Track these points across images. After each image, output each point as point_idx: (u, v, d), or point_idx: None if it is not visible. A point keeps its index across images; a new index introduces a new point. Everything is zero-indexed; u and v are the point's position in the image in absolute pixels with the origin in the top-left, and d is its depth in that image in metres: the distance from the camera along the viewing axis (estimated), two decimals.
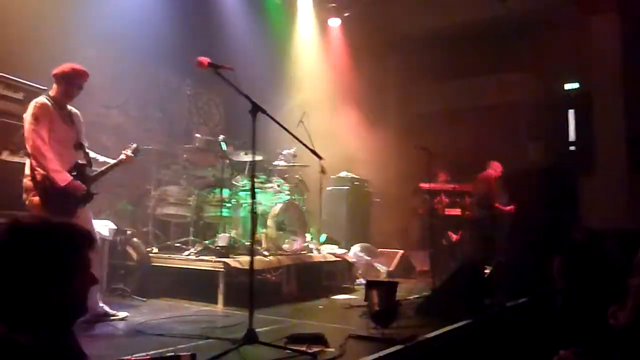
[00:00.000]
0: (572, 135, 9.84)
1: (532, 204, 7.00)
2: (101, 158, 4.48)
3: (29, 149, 3.94)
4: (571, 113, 9.86)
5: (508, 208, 7.94)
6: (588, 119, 9.23)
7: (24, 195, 4.00)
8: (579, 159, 9.31)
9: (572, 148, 9.82)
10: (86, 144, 4.35)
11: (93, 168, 4.36)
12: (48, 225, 1.51)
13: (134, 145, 4.54)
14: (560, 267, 3.43)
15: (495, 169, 8.20)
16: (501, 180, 8.08)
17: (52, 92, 4.17)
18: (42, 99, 4.07)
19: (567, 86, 9.92)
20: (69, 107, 4.26)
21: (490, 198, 7.93)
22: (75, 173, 4.12)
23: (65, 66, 4.13)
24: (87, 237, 1.56)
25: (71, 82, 4.15)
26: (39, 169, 3.93)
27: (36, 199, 3.96)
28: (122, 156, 4.48)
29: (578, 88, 9.83)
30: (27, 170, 4.01)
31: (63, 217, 3.82)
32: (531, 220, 6.84)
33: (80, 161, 4.24)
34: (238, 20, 8.32)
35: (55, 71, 4.13)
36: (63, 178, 3.95)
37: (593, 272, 3.26)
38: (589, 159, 8.95)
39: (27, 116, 3.97)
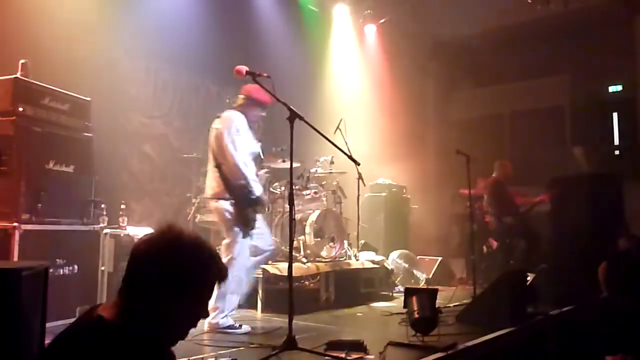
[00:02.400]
0: (616, 139, 9.57)
1: (577, 210, 6.81)
2: None
3: (228, 158, 4.19)
4: (615, 116, 9.59)
5: (538, 199, 7.36)
6: (633, 122, 8.97)
7: (213, 203, 4.33)
8: (624, 163, 9.04)
9: (616, 152, 9.54)
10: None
11: None
12: (203, 245, 1.60)
13: None
14: (606, 274, 3.35)
15: (502, 169, 7.61)
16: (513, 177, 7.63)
17: (241, 108, 4.46)
18: (237, 112, 4.38)
19: (611, 89, 9.65)
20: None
21: (506, 203, 7.43)
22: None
23: (260, 92, 4.33)
24: (224, 271, 1.66)
25: (263, 107, 4.53)
26: (235, 177, 4.20)
27: (226, 205, 4.23)
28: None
29: (622, 90, 9.55)
30: (213, 179, 4.32)
31: (252, 226, 4.26)
32: (576, 227, 6.66)
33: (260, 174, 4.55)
34: (275, 28, 8.40)
35: (250, 93, 4.45)
36: (259, 188, 4.27)
37: (639, 279, 3.17)
38: (635, 164, 8.69)
39: (224, 128, 4.24)
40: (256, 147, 4.47)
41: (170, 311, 1.51)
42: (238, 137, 4.23)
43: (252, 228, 4.32)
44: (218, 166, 4.31)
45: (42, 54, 4.93)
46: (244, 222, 4.26)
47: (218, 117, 4.47)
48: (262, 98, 4.46)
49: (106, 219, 4.89)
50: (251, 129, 4.49)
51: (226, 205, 4.28)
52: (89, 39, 5.81)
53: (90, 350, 1.40)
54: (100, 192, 4.79)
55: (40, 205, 4.14)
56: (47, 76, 4.55)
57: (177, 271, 1.50)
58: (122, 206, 5.17)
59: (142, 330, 1.48)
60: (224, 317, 4.17)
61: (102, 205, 4.80)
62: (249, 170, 4.27)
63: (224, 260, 4.07)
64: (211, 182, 4.40)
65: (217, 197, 4.33)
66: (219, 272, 1.62)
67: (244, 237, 4.27)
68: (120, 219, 5.08)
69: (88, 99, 4.79)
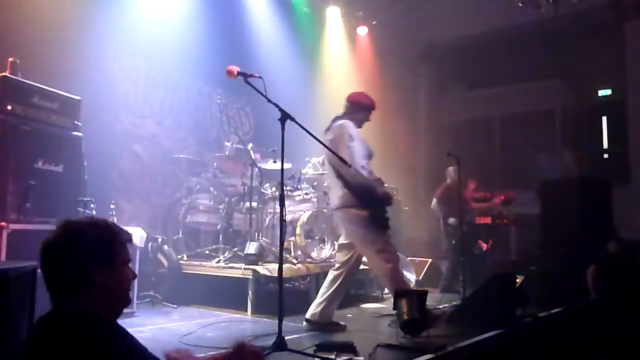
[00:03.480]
0: (605, 143, 9.64)
1: (566, 213, 6.85)
2: None
3: (347, 166, 4.10)
4: (604, 120, 9.67)
5: (497, 201, 7.39)
6: (622, 126, 9.04)
7: (343, 213, 4.32)
8: (613, 167, 9.11)
9: (605, 156, 9.61)
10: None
11: None
12: (93, 222, 1.75)
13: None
14: (594, 277, 3.37)
15: (453, 175, 7.32)
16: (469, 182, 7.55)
17: (348, 115, 4.51)
18: (346, 120, 4.43)
19: (601, 93, 9.72)
20: None
21: (452, 206, 7.09)
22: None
23: (366, 97, 4.61)
24: (126, 233, 1.82)
25: (369, 112, 4.61)
26: (358, 182, 4.22)
27: (361, 212, 4.22)
28: None
29: (611, 95, 9.62)
30: (338, 189, 4.33)
31: (384, 227, 4.28)
32: (565, 230, 6.70)
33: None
34: (268, 29, 8.41)
35: (358, 99, 4.60)
36: (383, 189, 4.34)
37: (627, 283, 3.19)
38: (624, 168, 8.76)
39: (337, 137, 4.30)
40: (369, 151, 4.50)
41: (102, 282, 1.67)
42: (352, 144, 4.27)
43: (389, 227, 4.35)
44: (340, 176, 4.33)
45: (32, 52, 4.90)
46: (379, 222, 4.27)
47: (329, 128, 4.51)
48: (367, 103, 4.60)
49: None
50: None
51: (357, 212, 4.27)
52: (79, 38, 5.79)
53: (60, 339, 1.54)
54: (89, 192, 4.75)
55: (28, 204, 4.10)
56: (37, 75, 4.52)
57: (83, 247, 1.67)
58: (112, 206, 5.14)
59: (92, 309, 1.64)
60: None
61: (92, 205, 4.75)
62: (368, 172, 4.30)
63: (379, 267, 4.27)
64: (336, 192, 4.39)
65: (346, 205, 4.31)
66: (120, 233, 1.79)
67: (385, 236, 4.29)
68: (110, 219, 5.04)
69: (78, 97, 4.75)
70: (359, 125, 4.53)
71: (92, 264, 1.67)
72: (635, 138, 8.70)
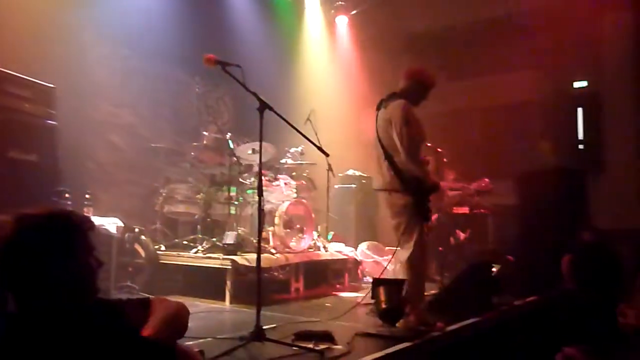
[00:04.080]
0: (580, 134, 9.76)
1: (542, 203, 6.94)
2: None
3: (399, 150, 4.06)
4: (580, 112, 9.79)
5: (471, 188, 7.52)
6: (597, 117, 9.17)
7: (386, 195, 4.19)
8: (588, 158, 9.24)
9: (580, 147, 9.74)
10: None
11: None
12: (51, 212, 1.66)
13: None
14: (569, 266, 3.42)
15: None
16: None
17: (405, 94, 4.27)
18: (403, 101, 4.17)
19: (576, 85, 9.84)
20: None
21: None
22: None
23: (427, 75, 4.36)
24: (87, 221, 1.73)
25: (428, 90, 4.36)
26: (408, 169, 4.05)
27: (404, 199, 4.08)
28: None
29: (587, 87, 9.75)
30: (385, 171, 4.18)
31: (428, 218, 4.12)
32: (541, 219, 6.79)
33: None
34: (246, 17, 8.33)
35: (419, 77, 4.35)
36: (433, 179, 4.15)
37: (602, 271, 3.24)
38: (598, 158, 8.89)
39: (393, 119, 4.12)
40: (423, 135, 4.29)
41: (64, 275, 1.60)
42: (406, 128, 4.07)
43: (429, 219, 4.21)
44: (389, 157, 4.17)
45: (3, 38, 4.79)
46: (420, 212, 4.10)
47: (384, 106, 4.33)
48: (428, 81, 4.38)
49: (71, 209, 4.79)
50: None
51: (399, 197, 4.14)
52: (55, 23, 5.67)
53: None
54: (65, 182, 4.69)
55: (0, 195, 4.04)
56: (9, 61, 4.42)
57: (41, 240, 1.59)
58: (88, 196, 5.06)
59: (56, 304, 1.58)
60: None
61: (66, 195, 4.68)
62: (421, 163, 4.15)
63: (405, 256, 4.06)
64: (382, 173, 4.24)
65: (389, 188, 4.19)
66: (81, 221, 1.71)
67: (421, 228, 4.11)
68: (86, 209, 4.97)
69: (52, 85, 4.68)
70: (415, 103, 4.31)
71: (51, 257, 1.59)
72: (610, 129, 8.83)
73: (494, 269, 5.27)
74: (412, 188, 4.07)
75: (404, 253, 4.12)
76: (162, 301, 1.88)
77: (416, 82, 4.35)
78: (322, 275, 6.52)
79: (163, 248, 5.97)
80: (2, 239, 1.60)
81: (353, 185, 8.17)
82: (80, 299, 1.67)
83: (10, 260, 1.58)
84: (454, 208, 7.72)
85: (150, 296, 1.92)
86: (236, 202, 6.03)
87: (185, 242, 6.11)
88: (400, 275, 4.14)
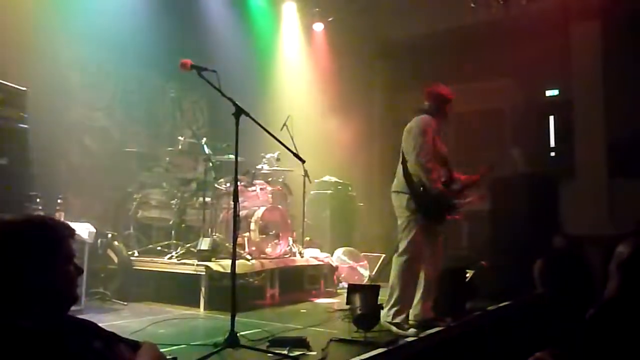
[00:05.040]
0: (552, 141, 9.94)
1: (514, 209, 7.05)
2: None
3: (410, 157, 4.41)
4: (552, 119, 9.97)
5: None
6: (568, 125, 9.35)
7: (394, 194, 4.56)
8: (559, 164, 9.41)
9: (552, 154, 9.92)
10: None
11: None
12: (29, 220, 1.65)
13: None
14: (540, 272, 3.47)
15: None
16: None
17: (429, 111, 4.62)
18: (427, 115, 4.55)
19: (548, 93, 10.02)
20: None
21: None
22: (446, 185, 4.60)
23: (444, 89, 4.72)
24: (67, 228, 1.70)
25: (446, 104, 4.68)
26: (415, 175, 4.40)
27: (402, 198, 4.46)
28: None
29: (558, 95, 9.94)
30: (399, 173, 4.53)
31: (434, 219, 4.48)
32: (513, 225, 6.89)
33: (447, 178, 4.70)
34: (223, 22, 8.30)
35: (435, 92, 4.70)
36: (438, 186, 4.38)
37: (573, 277, 3.30)
38: (569, 165, 9.06)
39: (412, 128, 4.48)
40: (442, 153, 4.65)
41: (43, 284, 1.57)
42: (421, 138, 4.39)
43: (434, 220, 4.52)
44: (403, 163, 4.53)
45: None
46: (426, 216, 4.44)
47: (411, 119, 4.66)
48: (440, 95, 4.70)
49: (42, 214, 4.69)
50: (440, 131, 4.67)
51: (402, 198, 4.48)
52: (27, 24, 5.58)
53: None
54: (37, 186, 4.61)
55: None
56: None
57: (19, 248, 1.55)
58: (59, 201, 4.98)
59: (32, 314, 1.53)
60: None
61: (38, 200, 4.60)
62: (429, 171, 4.37)
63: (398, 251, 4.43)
64: (397, 175, 4.61)
65: (397, 189, 4.56)
66: (60, 228, 1.67)
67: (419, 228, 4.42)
68: (58, 214, 4.89)
69: (24, 88, 4.60)
70: (440, 118, 4.65)
71: (29, 265, 1.55)
72: (581, 136, 9.01)
73: (467, 275, 5.33)
74: (416, 191, 4.40)
75: (399, 248, 4.47)
76: (151, 349, 1.86)
77: (434, 100, 4.71)
78: (297, 281, 6.51)
79: (136, 254, 5.91)
80: None
81: (329, 191, 8.18)
82: (59, 307, 1.64)
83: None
84: None
85: (144, 342, 1.89)
86: (211, 208, 5.98)
87: (159, 248, 6.05)
88: (391, 275, 4.48)
